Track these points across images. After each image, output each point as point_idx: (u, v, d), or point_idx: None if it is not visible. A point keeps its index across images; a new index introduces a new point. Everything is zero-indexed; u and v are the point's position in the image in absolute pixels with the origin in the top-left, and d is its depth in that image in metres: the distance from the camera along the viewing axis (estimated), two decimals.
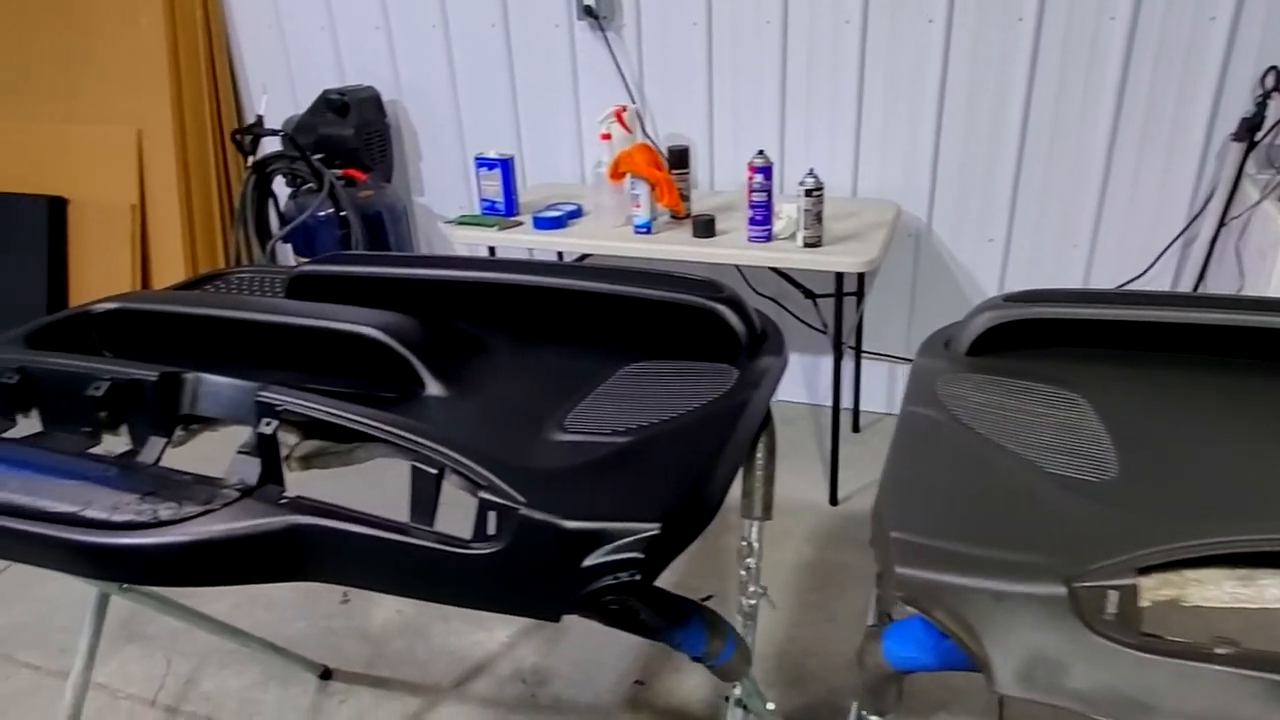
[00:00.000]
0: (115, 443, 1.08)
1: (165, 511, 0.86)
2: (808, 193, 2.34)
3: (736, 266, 2.86)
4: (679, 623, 0.86)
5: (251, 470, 0.93)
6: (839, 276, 2.43)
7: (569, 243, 2.64)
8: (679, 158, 2.64)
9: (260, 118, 3.12)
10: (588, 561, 0.78)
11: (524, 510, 0.79)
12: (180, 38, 3.21)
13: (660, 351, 1.21)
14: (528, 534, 0.79)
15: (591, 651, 2.10)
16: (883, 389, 3.18)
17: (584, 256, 3.10)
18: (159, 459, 1.00)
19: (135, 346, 1.28)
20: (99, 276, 3.36)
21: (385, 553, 0.83)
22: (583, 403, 1.06)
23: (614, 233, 2.61)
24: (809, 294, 2.78)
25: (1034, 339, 1.15)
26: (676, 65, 2.92)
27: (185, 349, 1.26)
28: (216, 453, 1.12)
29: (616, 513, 0.79)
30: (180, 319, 1.23)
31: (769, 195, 2.41)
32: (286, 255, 3.42)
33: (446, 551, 0.81)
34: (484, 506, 0.81)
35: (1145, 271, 2.70)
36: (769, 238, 2.45)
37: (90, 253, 3.37)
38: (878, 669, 0.82)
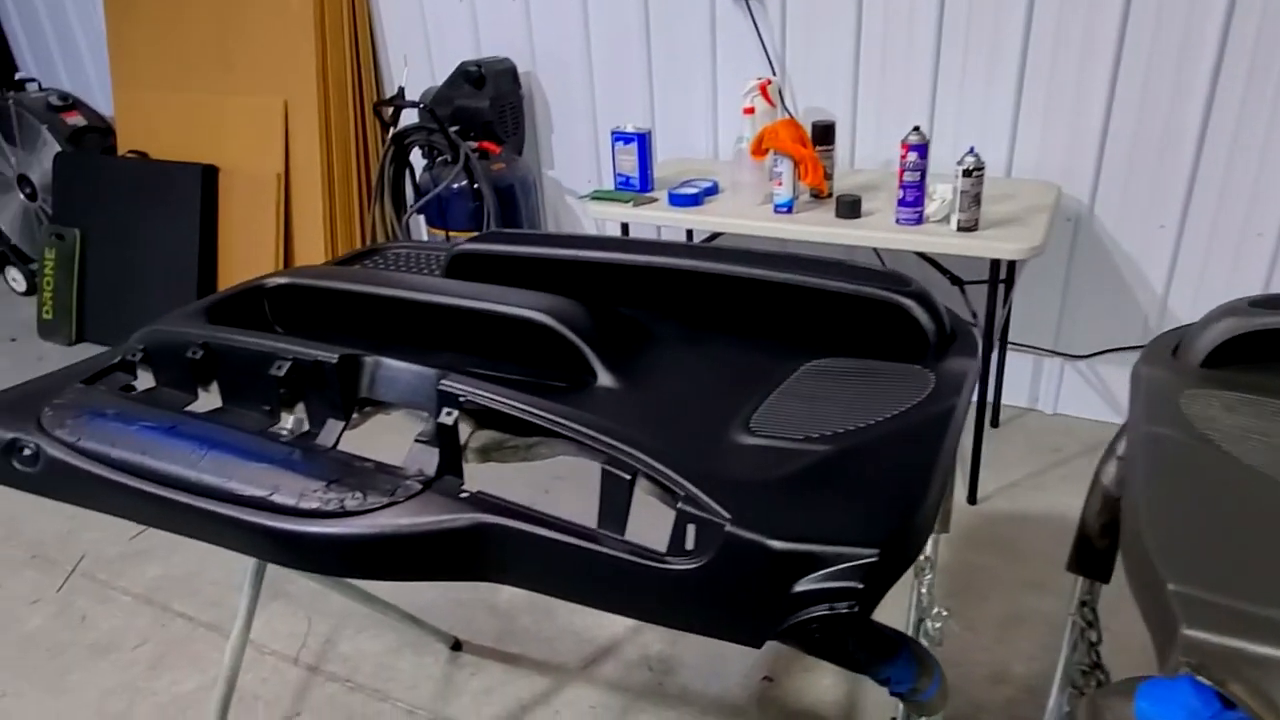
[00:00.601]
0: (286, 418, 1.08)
1: (351, 501, 0.84)
2: (966, 173, 2.18)
3: (875, 249, 2.72)
4: (889, 657, 0.79)
5: (430, 461, 0.90)
6: (994, 263, 2.27)
7: (705, 221, 2.56)
8: (823, 133, 2.52)
9: (401, 89, 3.15)
10: (799, 587, 0.71)
11: (730, 527, 0.73)
12: (326, 9, 3.28)
13: (841, 348, 1.13)
14: (732, 553, 0.73)
15: (719, 644, 2.05)
16: (1025, 383, 2.99)
17: (715, 235, 3.02)
18: (337, 442, 0.99)
19: (303, 321, 1.28)
20: (245, 242, 3.50)
21: (574, 561, 0.79)
22: (766, 402, 0.99)
23: (752, 211, 2.51)
24: (956, 280, 2.61)
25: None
26: (822, 35, 2.78)
27: (351, 325, 1.25)
28: (377, 431, 1.11)
29: (832, 535, 0.72)
30: (348, 296, 1.22)
31: (923, 175, 2.27)
32: (419, 227, 3.47)
33: (641, 565, 0.76)
34: (683, 519, 0.76)
35: None
36: (920, 220, 2.31)
37: (237, 219, 3.50)
38: None
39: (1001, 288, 2.56)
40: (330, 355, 0.98)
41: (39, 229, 4.15)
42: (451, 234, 3.28)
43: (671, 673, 1.99)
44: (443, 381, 0.92)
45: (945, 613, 1.05)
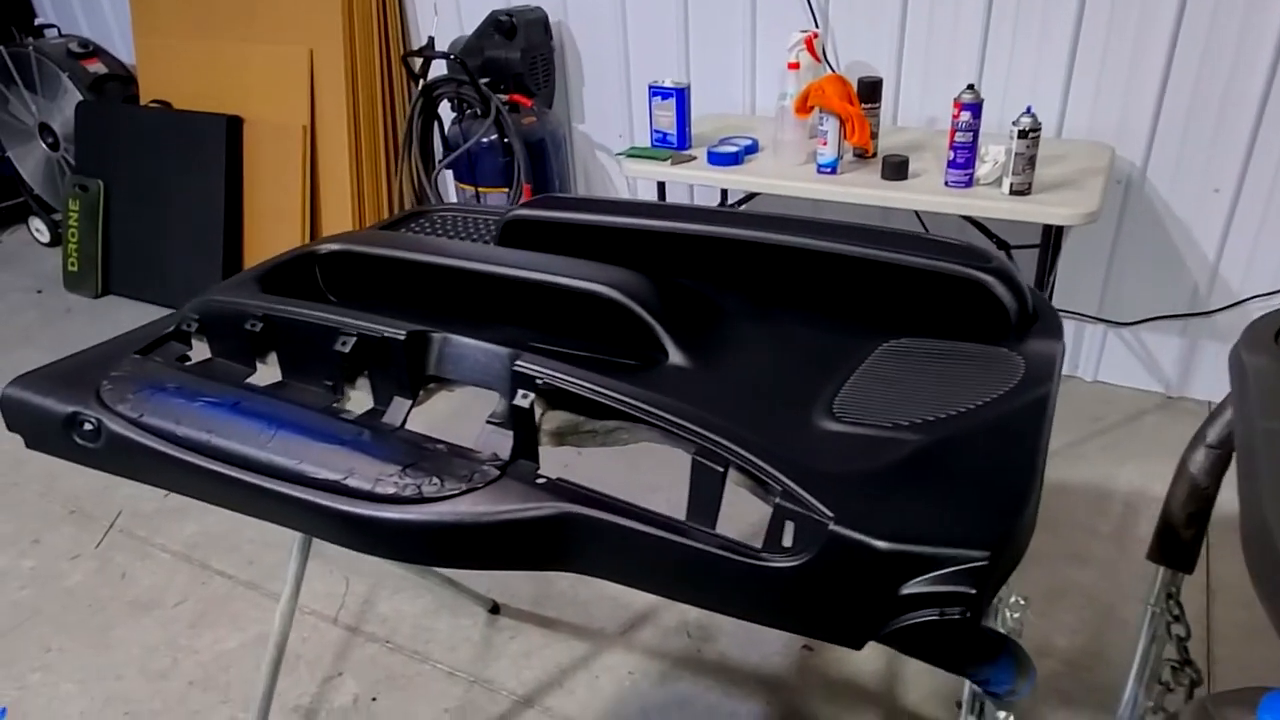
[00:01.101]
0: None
1: (428, 487, 0.81)
2: (1022, 134, 2.11)
3: (916, 212, 2.65)
4: (990, 659, 0.76)
5: (503, 444, 0.87)
6: (1046, 229, 2.20)
7: (745, 181, 2.49)
8: (870, 90, 2.43)
9: (431, 39, 3.07)
10: (907, 590, 0.68)
11: (834, 526, 0.70)
12: None
13: (918, 326, 1.08)
14: (836, 552, 0.70)
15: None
16: (1066, 351, 2.93)
17: (751, 196, 2.95)
18: (404, 421, 0.96)
19: (356, 289, 1.24)
20: (271, 195, 3.45)
21: (664, 555, 0.76)
22: (847, 384, 0.95)
23: (794, 171, 2.44)
24: (1003, 245, 2.55)
25: None
26: None
27: (405, 295, 1.22)
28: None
29: (942, 537, 0.69)
30: (404, 264, 1.18)
31: (975, 136, 2.19)
32: (446, 183, 3.41)
33: (736, 561, 0.73)
34: (781, 515, 0.73)
35: None
36: (970, 183, 2.24)
37: (263, 172, 3.45)
38: None
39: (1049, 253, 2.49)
40: (398, 332, 0.94)
41: (62, 179, 4.10)
42: (481, 190, 3.22)
43: (710, 640, 1.99)
44: (518, 362, 0.88)
45: (1023, 601, 1.02)
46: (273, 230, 3.47)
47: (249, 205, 3.52)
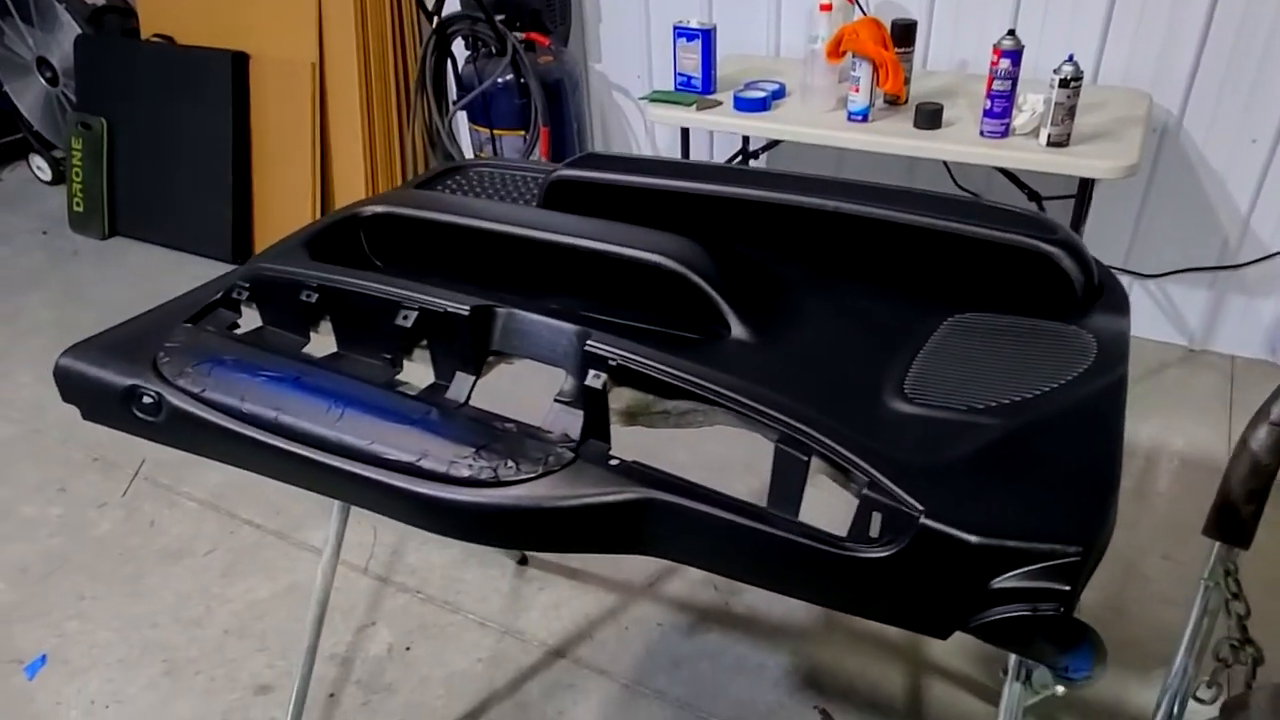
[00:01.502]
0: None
1: (504, 470, 0.81)
2: (1063, 83, 2.05)
3: (944, 163, 2.60)
4: (1073, 647, 0.77)
5: (574, 424, 0.86)
6: (1083, 181, 2.16)
7: (771, 128, 2.43)
8: (904, 34, 2.36)
9: None
10: (998, 584, 0.68)
11: (925, 520, 0.70)
12: None
13: (982, 299, 1.06)
14: (926, 545, 0.70)
15: None
16: None
17: (775, 143, 2.88)
18: (468, 397, 0.95)
19: (401, 252, 1.22)
20: (279, 134, 3.37)
21: (745, 543, 0.76)
22: (916, 363, 0.93)
23: (823, 119, 2.38)
24: (1034, 196, 2.50)
25: None
26: None
27: (451, 259, 1.19)
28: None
29: (1035, 531, 0.68)
30: (451, 229, 1.15)
31: (1014, 84, 2.13)
32: (460, 125, 3.33)
33: (821, 550, 0.73)
34: (868, 506, 0.72)
35: None
36: (1006, 133, 2.19)
37: (271, 110, 3.36)
38: None
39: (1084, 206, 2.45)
40: (462, 307, 0.92)
41: (62, 116, 4.00)
42: (496, 132, 3.15)
43: (737, 593, 2.02)
44: (589, 342, 0.86)
45: None
46: (282, 173, 3.40)
47: (256, 146, 3.44)
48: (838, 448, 0.75)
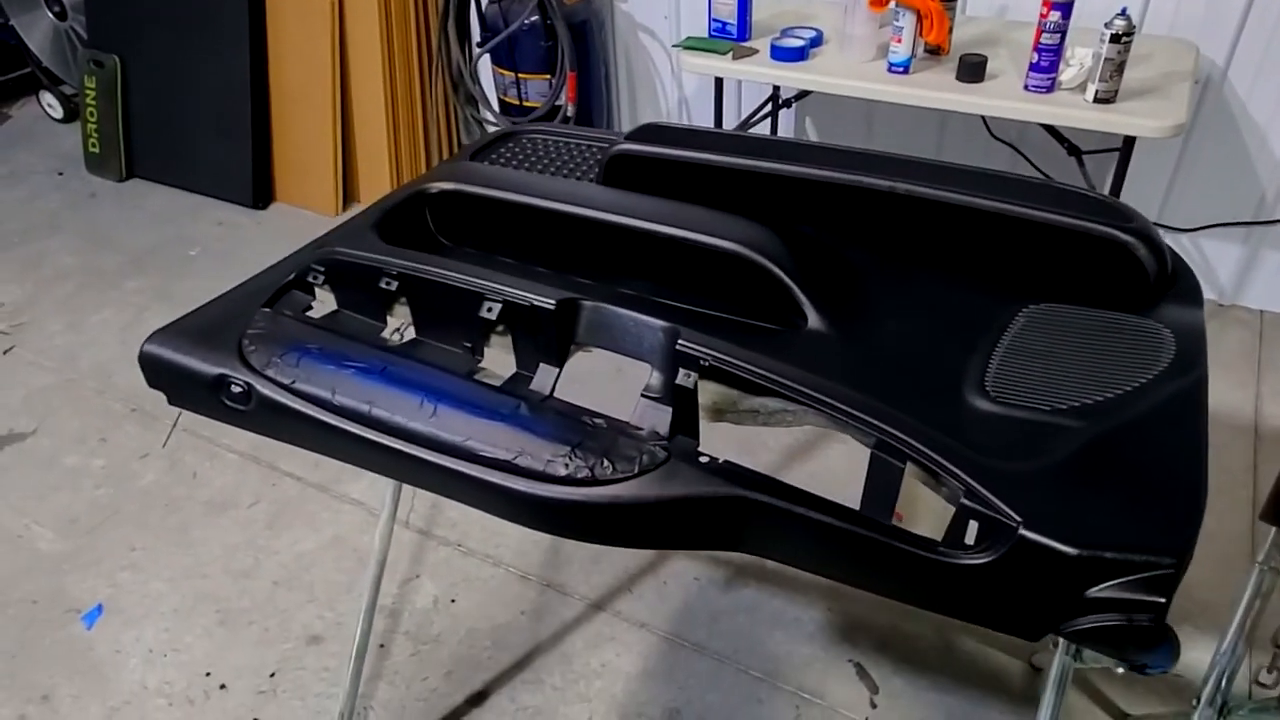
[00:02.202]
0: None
1: (601, 469, 0.82)
2: (1114, 38, 2.00)
3: (983, 117, 2.54)
4: (1156, 647, 0.80)
5: (662, 420, 0.88)
6: (1127, 138, 2.13)
7: (810, 79, 2.38)
8: None
9: None
10: (1093, 593, 0.71)
11: (1023, 531, 0.72)
12: None
13: (1055, 288, 1.06)
14: (1023, 555, 0.72)
15: (844, 487, 2.11)
16: None
17: (805, 93, 2.83)
18: (553, 390, 0.96)
19: (466, 229, 1.21)
20: (298, 73, 3.30)
21: (841, 545, 0.78)
22: (995, 357, 0.94)
23: (863, 70, 2.33)
24: (1074, 150, 2.47)
25: None
26: None
27: (518, 237, 1.19)
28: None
29: (1130, 542, 0.70)
30: (519, 208, 1.15)
31: (1063, 37, 2.08)
32: (484, 68, 3.26)
33: (917, 555, 0.75)
34: (965, 514, 0.74)
35: None
36: (1051, 88, 2.15)
37: (288, 47, 3.29)
38: None
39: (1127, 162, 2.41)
40: (547, 301, 0.93)
41: (72, 53, 3.92)
42: (521, 76, 3.09)
43: None
44: (680, 341, 0.87)
45: None
46: (301, 114, 3.35)
47: (275, 86, 3.37)
48: (936, 456, 0.77)
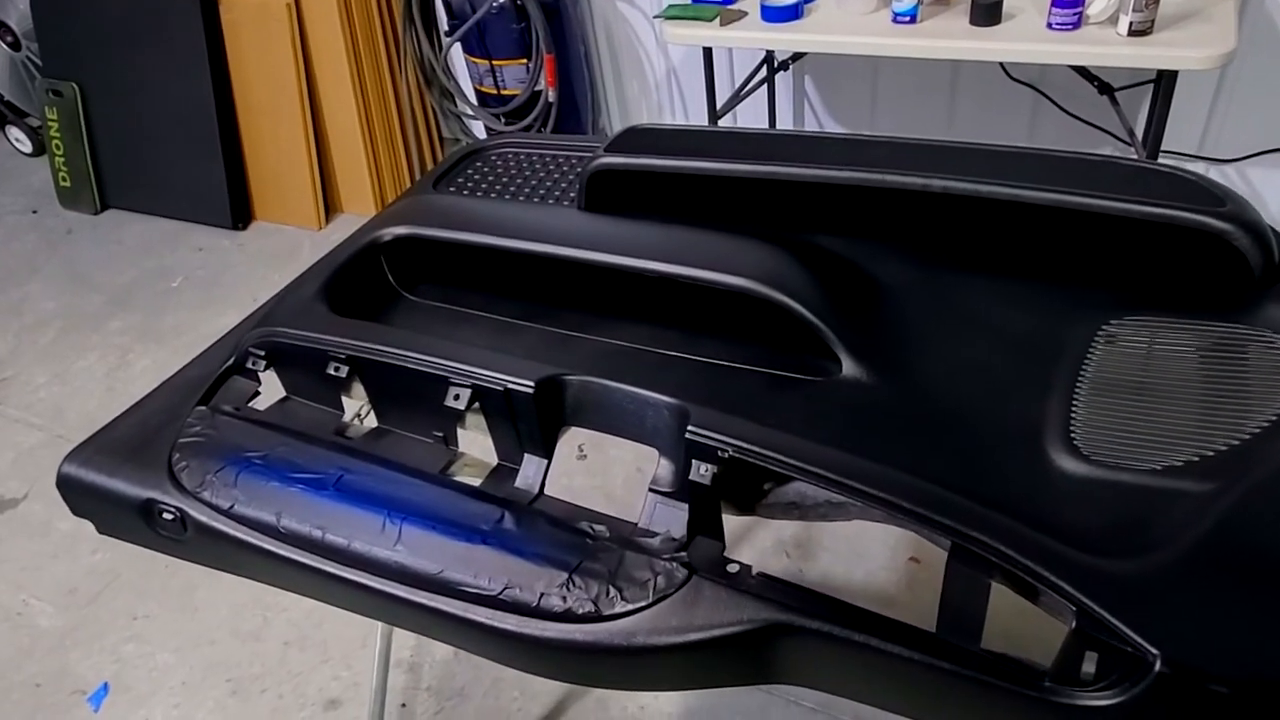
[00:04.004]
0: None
1: (605, 601, 0.66)
2: None
3: (1001, 64, 2.32)
4: None
5: (677, 520, 0.71)
6: (1162, 72, 1.91)
7: (806, 39, 2.17)
8: None
9: None
10: None
11: (1162, 666, 0.55)
12: None
13: (1134, 296, 0.88)
14: (1162, 693, 0.55)
15: (856, 526, 1.95)
16: None
17: (800, 55, 2.61)
18: (542, 487, 0.80)
19: (428, 275, 1.04)
20: (263, 84, 3.11)
21: (912, 677, 0.62)
22: (1078, 397, 0.77)
23: (864, 24, 2.12)
24: (1105, 88, 2.24)
25: None
26: None
27: (488, 280, 1.02)
28: None
29: None
30: (485, 251, 0.97)
31: None
32: (455, 56, 3.05)
33: (1019, 694, 0.58)
34: (1082, 643, 0.57)
35: None
36: (1078, 24, 1.93)
37: (249, 58, 3.10)
38: None
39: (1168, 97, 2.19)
40: (525, 383, 0.76)
41: (31, 84, 3.74)
42: (495, 63, 2.89)
43: (810, 558, 1.91)
44: (691, 427, 0.70)
45: None
46: (271, 126, 3.16)
47: (240, 99, 3.19)
48: (1034, 567, 0.60)
